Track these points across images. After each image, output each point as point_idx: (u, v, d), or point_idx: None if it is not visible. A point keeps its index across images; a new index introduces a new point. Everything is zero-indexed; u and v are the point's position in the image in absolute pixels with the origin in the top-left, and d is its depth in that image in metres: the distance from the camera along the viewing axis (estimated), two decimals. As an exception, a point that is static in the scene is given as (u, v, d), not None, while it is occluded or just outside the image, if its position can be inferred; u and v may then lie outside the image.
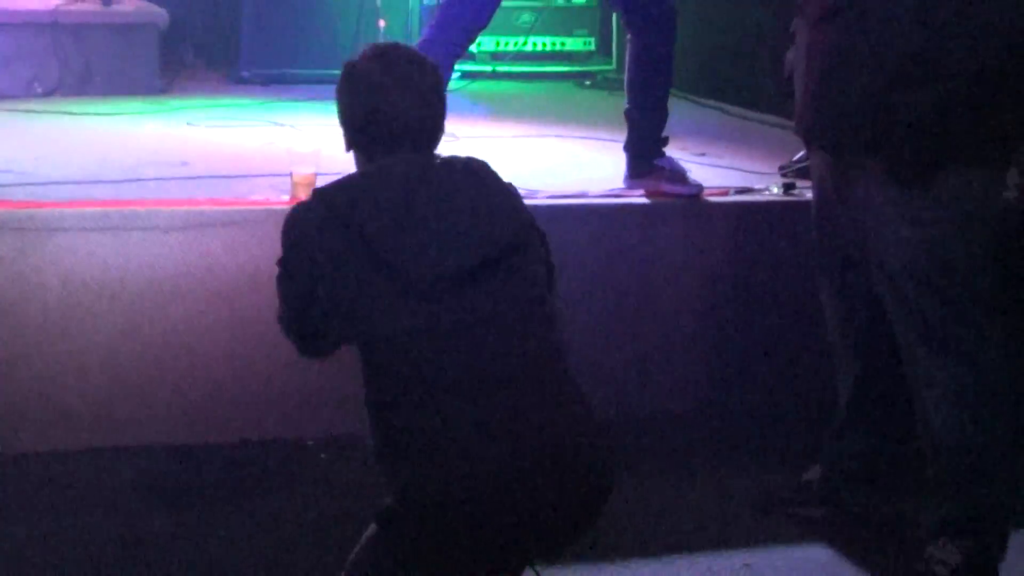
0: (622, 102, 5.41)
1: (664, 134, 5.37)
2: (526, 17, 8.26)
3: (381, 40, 7.60)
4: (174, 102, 7.07)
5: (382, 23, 7.76)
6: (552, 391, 3.12)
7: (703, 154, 6.12)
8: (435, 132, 3.27)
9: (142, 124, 6.52)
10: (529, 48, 8.32)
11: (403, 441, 3.04)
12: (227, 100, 7.23)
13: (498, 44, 8.23)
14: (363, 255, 3.02)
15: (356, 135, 3.27)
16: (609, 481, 3.15)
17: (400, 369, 3.02)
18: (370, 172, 3.19)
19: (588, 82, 8.36)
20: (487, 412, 3.01)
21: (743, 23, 7.65)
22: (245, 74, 7.74)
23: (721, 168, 5.90)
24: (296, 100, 7.19)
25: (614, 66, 8.27)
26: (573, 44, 8.47)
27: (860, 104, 3.87)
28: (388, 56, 3.26)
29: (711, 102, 7.66)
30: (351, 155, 3.32)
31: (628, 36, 5.34)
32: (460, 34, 5.09)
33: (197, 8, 8.07)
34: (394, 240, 3.02)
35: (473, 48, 7.54)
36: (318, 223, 3.07)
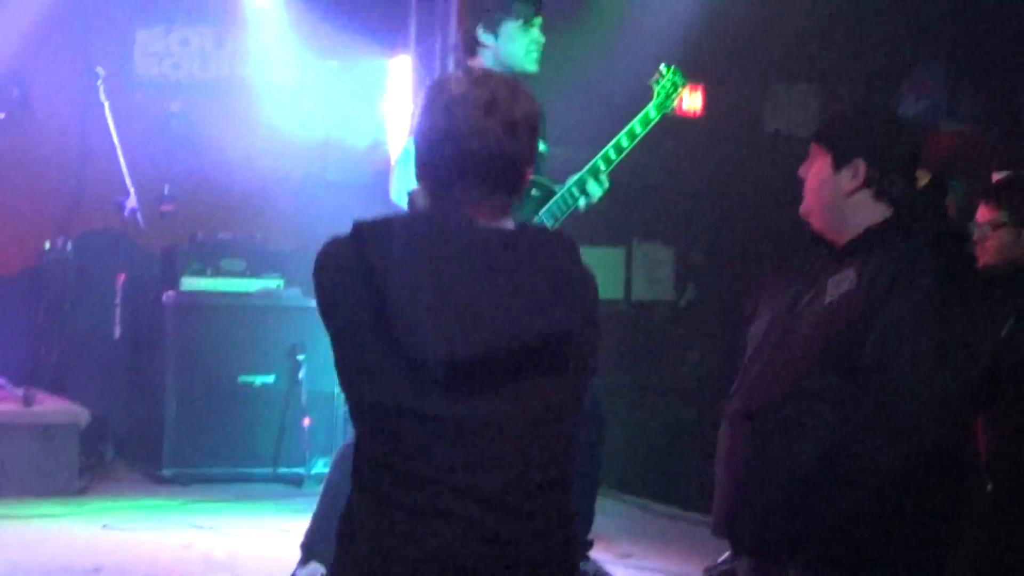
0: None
1: (590, 537, 5.28)
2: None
3: (307, 451, 7.66)
4: (93, 503, 6.97)
5: (307, 421, 7.74)
6: (530, 526, 2.76)
7: (629, 555, 6.04)
8: (515, 176, 2.80)
9: (57, 527, 6.39)
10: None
11: (350, 514, 2.78)
12: (147, 500, 7.13)
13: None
14: (370, 305, 2.69)
15: (421, 159, 2.83)
16: None
17: (374, 439, 2.75)
18: (411, 217, 2.81)
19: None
20: (439, 523, 2.70)
21: (669, 420, 7.70)
22: (167, 473, 7.64)
23: (646, 570, 5.83)
24: (218, 501, 7.07)
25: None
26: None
27: (776, 507, 3.82)
28: (483, 75, 2.83)
29: (637, 499, 7.61)
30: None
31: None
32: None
33: (119, 405, 8.03)
34: (405, 304, 2.66)
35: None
36: (338, 254, 2.76)
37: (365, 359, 2.72)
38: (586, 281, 2.82)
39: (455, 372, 2.66)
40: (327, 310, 2.78)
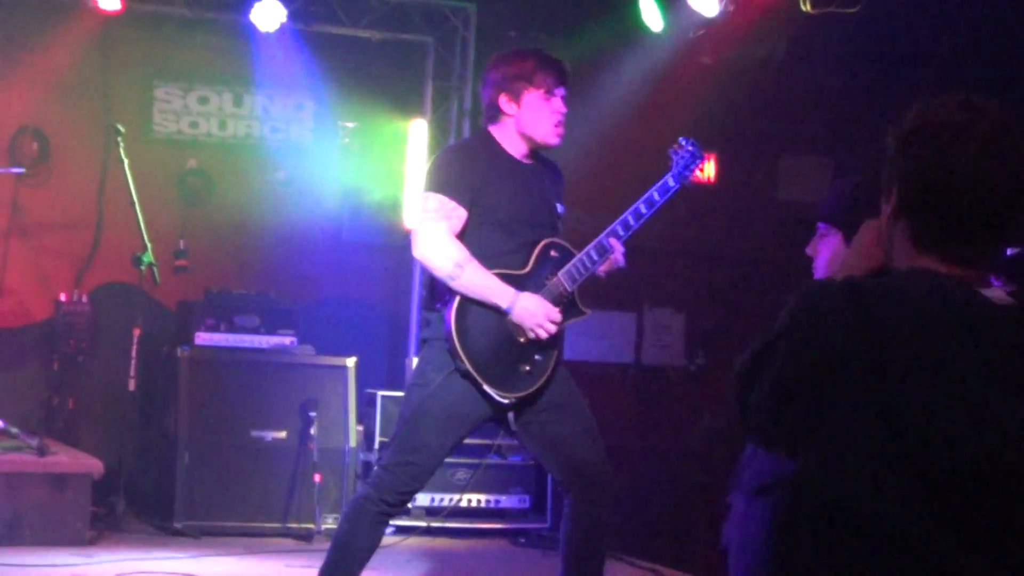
0: (556, 562, 5.32)
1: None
2: (461, 474, 8.29)
3: (317, 506, 7.68)
4: (102, 555, 6.97)
5: (318, 477, 7.77)
6: None
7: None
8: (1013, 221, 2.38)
9: (67, 581, 6.40)
10: (464, 504, 8.31)
11: None
12: (158, 554, 7.13)
13: (433, 500, 8.22)
14: (866, 392, 2.24)
15: (904, 202, 2.40)
16: None
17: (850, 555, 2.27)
18: (921, 284, 2.32)
19: (523, 539, 8.33)
20: None
21: (679, 485, 7.72)
22: (178, 526, 7.67)
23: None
24: (228, 555, 7.09)
25: (548, 523, 8.26)
26: (508, 501, 8.48)
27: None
28: (980, 105, 2.38)
29: (648, 564, 7.61)
30: None
31: (566, 501, 5.25)
32: (395, 496, 5.06)
33: (131, 457, 8.06)
34: (914, 391, 2.22)
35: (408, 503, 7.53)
36: (843, 323, 2.27)
37: (851, 457, 2.27)
38: None
39: (965, 481, 2.21)
40: (817, 365, 2.31)
